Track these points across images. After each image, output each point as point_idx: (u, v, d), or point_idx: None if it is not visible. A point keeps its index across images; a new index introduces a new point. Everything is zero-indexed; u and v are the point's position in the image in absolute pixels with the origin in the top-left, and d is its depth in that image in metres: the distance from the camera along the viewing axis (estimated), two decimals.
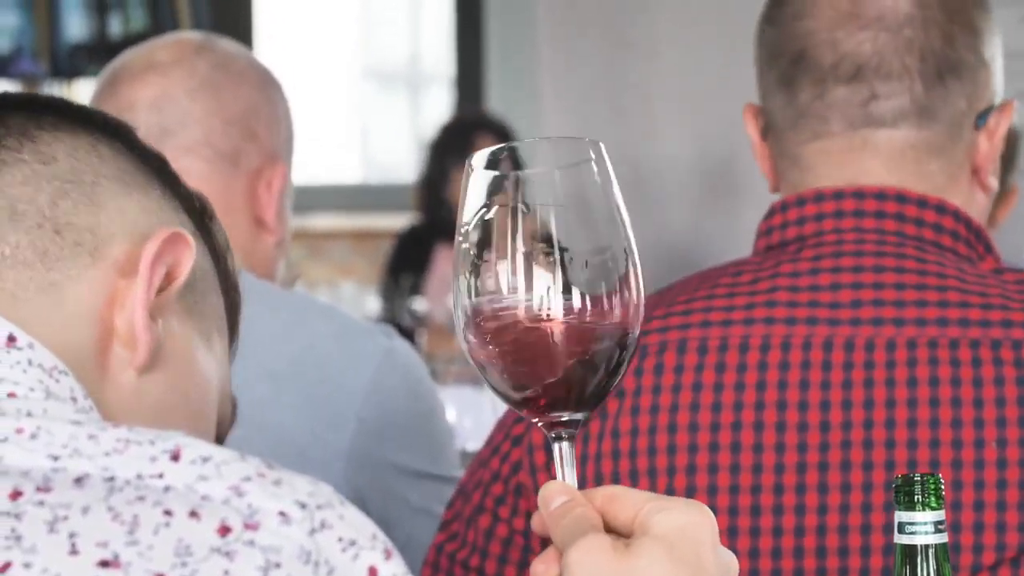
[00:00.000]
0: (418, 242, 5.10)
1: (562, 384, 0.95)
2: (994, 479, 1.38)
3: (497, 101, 5.63)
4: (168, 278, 1.01)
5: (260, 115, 1.89)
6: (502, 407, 1.61)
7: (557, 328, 0.94)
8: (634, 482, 1.41)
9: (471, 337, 0.95)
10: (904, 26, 1.49)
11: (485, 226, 0.95)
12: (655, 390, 1.44)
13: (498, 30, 6.02)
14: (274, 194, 1.89)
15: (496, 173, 0.95)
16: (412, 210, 5.36)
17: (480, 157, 0.97)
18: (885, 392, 1.41)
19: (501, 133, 5.09)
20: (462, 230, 0.95)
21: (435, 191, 5.08)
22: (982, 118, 1.51)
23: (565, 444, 0.96)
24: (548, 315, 0.93)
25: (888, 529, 1.39)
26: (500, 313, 0.94)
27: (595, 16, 5.82)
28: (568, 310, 0.94)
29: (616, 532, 0.91)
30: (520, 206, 0.94)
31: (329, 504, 0.85)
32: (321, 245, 6.19)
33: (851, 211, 1.49)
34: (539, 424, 0.97)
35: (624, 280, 0.95)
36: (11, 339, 0.92)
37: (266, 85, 1.91)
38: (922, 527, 1.11)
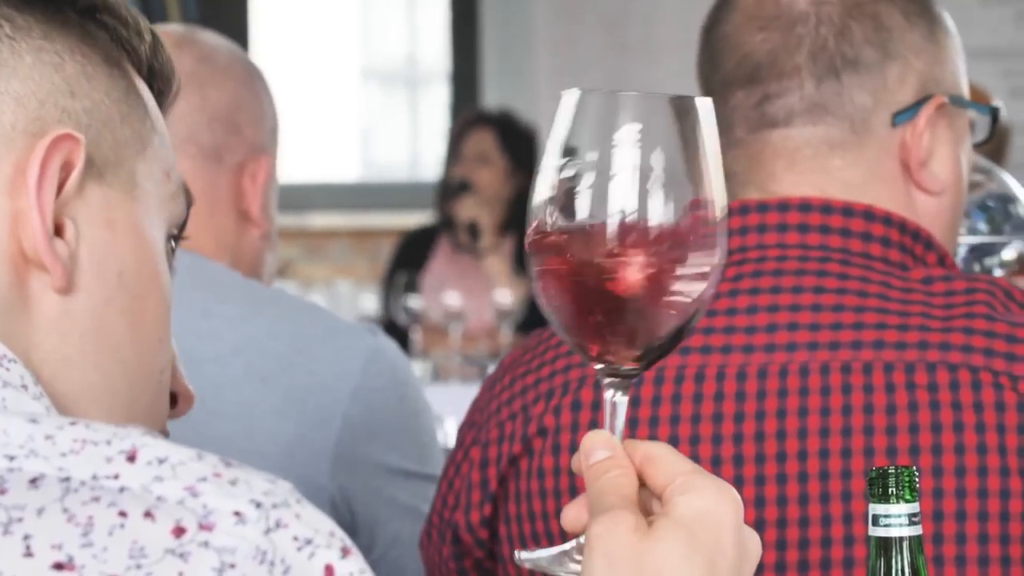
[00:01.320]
0: (423, 240, 5.11)
1: (628, 332, 0.94)
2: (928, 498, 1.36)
3: (494, 99, 5.63)
4: (64, 171, 0.96)
5: (244, 109, 1.88)
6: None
7: (636, 274, 0.92)
8: None
9: (546, 280, 0.94)
10: (796, 23, 1.47)
11: (578, 159, 0.94)
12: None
13: (495, 28, 6.02)
14: (259, 186, 1.89)
15: (602, 98, 0.94)
16: (411, 208, 5.37)
17: (572, 93, 0.95)
18: (798, 422, 1.38)
19: (503, 125, 5.03)
20: (551, 158, 0.94)
21: (440, 189, 5.08)
22: (901, 115, 1.48)
23: (618, 394, 0.96)
24: (630, 260, 0.92)
25: (818, 566, 1.37)
26: (578, 258, 0.93)
27: (593, 17, 5.82)
28: (652, 259, 0.93)
29: (649, 491, 0.93)
30: (624, 146, 0.93)
31: (285, 503, 0.84)
32: (319, 244, 6.19)
33: (774, 225, 1.46)
34: (598, 368, 0.96)
35: (711, 239, 0.94)
36: None
37: (250, 77, 1.91)
38: (896, 519, 1.11)
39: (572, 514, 0.94)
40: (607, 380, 0.96)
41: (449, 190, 4.97)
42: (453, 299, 4.61)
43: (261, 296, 1.86)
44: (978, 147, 1.60)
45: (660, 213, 0.92)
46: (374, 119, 6.87)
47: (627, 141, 0.93)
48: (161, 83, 1.04)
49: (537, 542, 1.45)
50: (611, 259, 0.93)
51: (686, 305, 0.94)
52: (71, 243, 0.95)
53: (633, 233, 0.92)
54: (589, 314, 0.93)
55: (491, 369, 2.44)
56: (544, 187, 0.94)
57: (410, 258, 5.03)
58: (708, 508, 0.90)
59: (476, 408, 1.55)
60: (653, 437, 1.40)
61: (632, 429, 1.41)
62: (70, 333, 0.96)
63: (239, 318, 1.81)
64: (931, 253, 1.47)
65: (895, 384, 1.37)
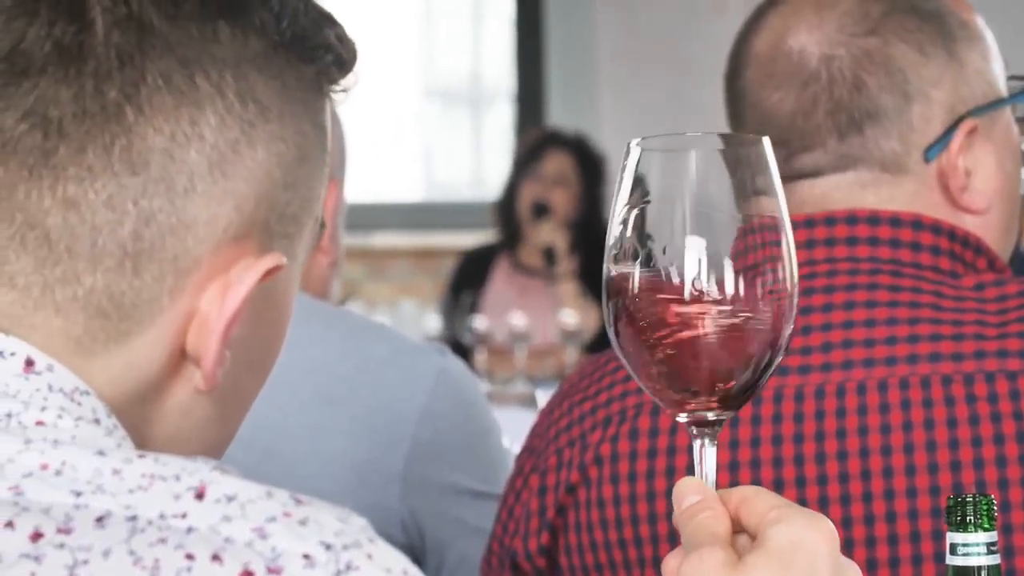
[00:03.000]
0: (482, 260, 5.11)
1: (711, 382, 0.94)
2: None
3: (558, 118, 5.63)
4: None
5: None
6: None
7: (712, 325, 0.92)
8: None
9: (623, 328, 0.94)
10: (809, 83, 1.46)
11: (643, 215, 0.94)
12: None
13: (559, 48, 6.02)
14: (328, 214, 1.90)
15: (657, 158, 0.95)
16: (475, 228, 5.37)
17: (640, 143, 0.95)
18: (858, 442, 1.37)
19: (579, 147, 5.05)
20: (619, 218, 0.94)
21: (507, 207, 5.09)
22: (932, 150, 1.46)
23: (707, 441, 0.96)
24: (704, 312, 0.92)
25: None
26: (656, 306, 0.93)
27: (657, 36, 5.83)
28: (724, 308, 0.93)
29: (747, 534, 0.92)
30: (681, 197, 0.93)
31: (356, 543, 0.82)
32: (383, 264, 6.20)
33: (823, 239, 1.45)
34: (684, 420, 0.96)
35: (779, 281, 0.94)
36: (29, 363, 0.88)
37: None
38: (975, 548, 1.10)
39: (672, 564, 0.92)
40: (695, 429, 0.96)
41: (527, 212, 4.98)
42: (518, 319, 4.61)
43: (329, 317, 1.87)
44: None
45: (729, 259, 0.93)
46: (437, 138, 6.89)
47: (693, 188, 0.93)
48: (349, 80, 1.00)
49: (600, 572, 1.45)
50: (687, 309, 0.93)
51: (763, 349, 0.94)
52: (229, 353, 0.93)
53: (707, 283, 0.92)
54: (672, 365, 0.94)
55: (540, 398, 2.45)
56: (618, 233, 0.95)
57: (470, 278, 5.04)
58: (801, 538, 0.89)
59: (535, 434, 1.54)
60: (734, 461, 1.40)
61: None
62: (193, 416, 0.94)
63: (307, 340, 1.82)
64: (981, 258, 1.46)
65: (955, 397, 1.37)
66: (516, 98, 6.20)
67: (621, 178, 0.94)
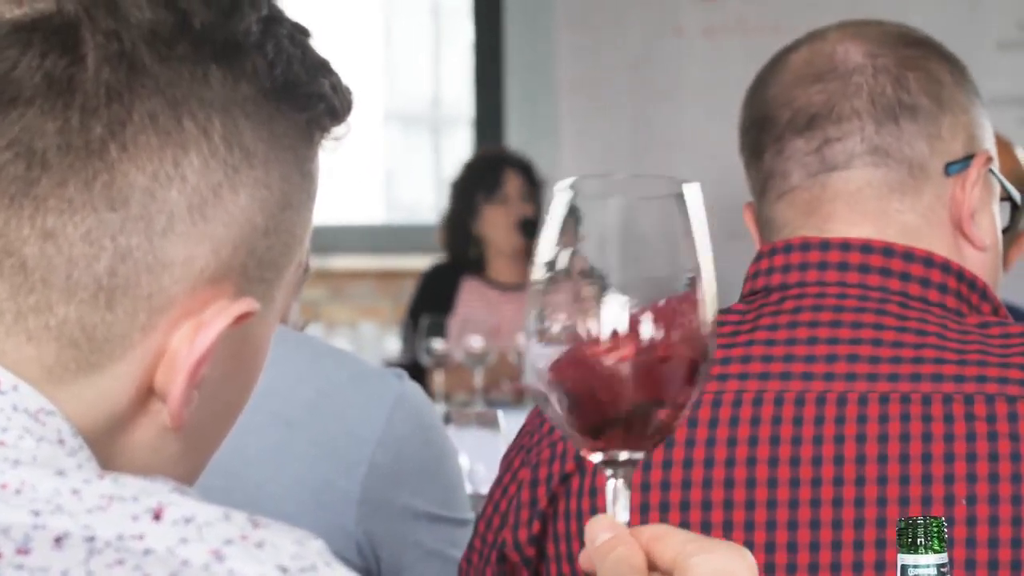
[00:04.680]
0: (441, 281, 5.12)
1: (624, 422, 0.94)
2: (963, 537, 1.37)
3: (517, 143, 5.66)
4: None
5: None
6: None
7: (622, 366, 0.93)
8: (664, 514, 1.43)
9: (535, 368, 0.94)
10: (854, 73, 1.52)
11: (552, 262, 0.94)
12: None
13: (518, 73, 6.04)
14: None
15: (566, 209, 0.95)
16: (436, 250, 5.38)
17: (571, 185, 0.95)
18: (855, 448, 1.41)
19: (527, 170, 5.12)
20: (538, 262, 0.95)
21: (462, 228, 5.10)
22: (953, 166, 1.53)
23: (620, 481, 0.96)
24: (613, 353, 0.92)
25: None
26: (565, 348, 0.93)
27: (617, 61, 5.85)
28: (634, 348, 0.93)
29: (660, 571, 0.91)
30: (583, 242, 0.94)
31: (312, 567, 0.82)
32: (343, 286, 6.21)
33: (835, 263, 1.49)
34: (598, 460, 0.96)
35: (687, 317, 0.94)
36: None
37: None
38: (925, 570, 1.12)
39: None
40: (608, 470, 0.96)
41: (508, 232, 5.01)
42: (476, 341, 4.62)
43: (289, 342, 1.87)
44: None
45: (654, 304, 0.93)
46: (398, 161, 6.90)
47: (619, 229, 0.94)
48: (341, 129, 1.00)
49: None
50: (605, 355, 0.93)
51: (683, 394, 0.94)
52: (198, 393, 0.93)
53: (628, 327, 0.93)
54: (589, 405, 0.94)
55: (502, 420, 2.46)
56: (540, 275, 0.95)
57: (434, 296, 5.06)
58: (722, 567, 0.89)
59: (525, 432, 1.57)
60: (709, 458, 1.43)
61: (688, 449, 1.44)
62: (161, 453, 0.94)
63: (268, 364, 1.82)
64: (986, 303, 1.51)
65: (954, 415, 1.40)
66: (476, 122, 6.22)
67: (548, 219, 0.95)
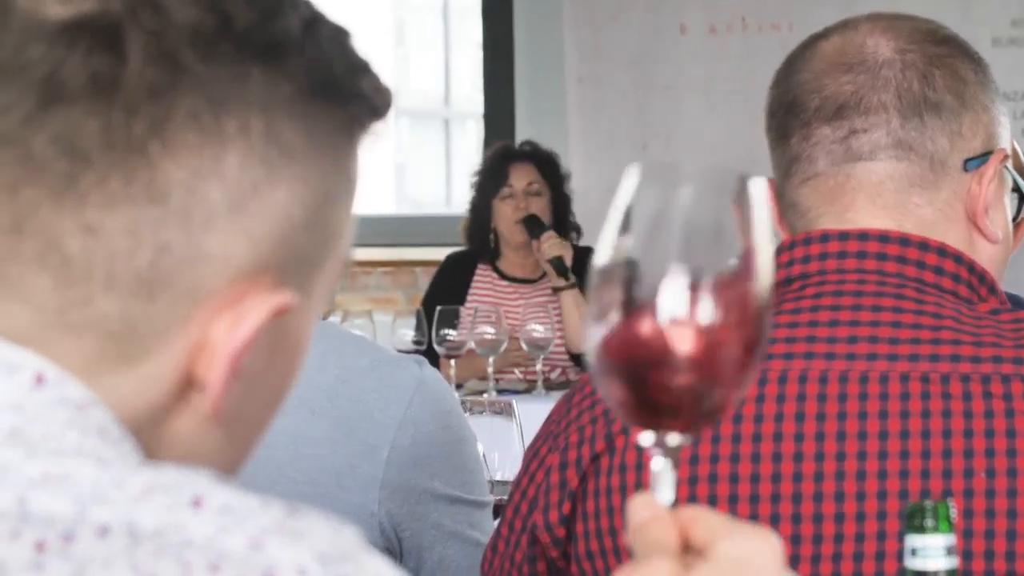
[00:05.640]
0: (458, 269, 5.14)
1: (676, 404, 0.93)
2: (982, 508, 1.41)
3: (526, 136, 5.68)
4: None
5: None
6: (531, 438, 1.65)
7: (678, 346, 0.92)
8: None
9: (591, 346, 0.93)
10: (883, 67, 1.56)
11: (614, 245, 0.93)
12: None
13: (527, 70, 6.07)
14: None
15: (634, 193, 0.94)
16: (447, 242, 5.41)
17: (637, 169, 0.94)
18: (879, 424, 1.45)
19: (541, 162, 5.09)
20: (600, 245, 0.94)
21: (480, 220, 5.12)
22: (972, 162, 1.56)
23: (663, 460, 0.95)
24: (668, 333, 0.91)
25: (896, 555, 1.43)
26: (622, 327, 0.92)
27: (622, 57, 5.89)
28: (691, 331, 0.92)
29: (693, 551, 0.90)
30: (644, 227, 0.93)
31: (349, 555, 0.83)
32: (357, 277, 6.24)
33: (854, 252, 1.53)
34: (649, 442, 0.95)
35: (745, 305, 0.93)
36: (40, 377, 0.88)
37: None
38: (933, 551, 1.14)
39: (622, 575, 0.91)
40: (656, 450, 0.95)
41: (513, 228, 5.02)
42: (488, 329, 4.65)
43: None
44: None
45: (712, 289, 0.92)
46: (408, 156, 6.91)
47: (681, 217, 0.93)
48: (380, 126, 0.99)
49: (614, 537, 1.50)
50: (662, 336, 0.92)
51: (736, 379, 0.94)
52: (239, 384, 0.93)
53: (686, 312, 0.92)
54: (641, 388, 0.93)
55: (516, 407, 2.49)
56: (604, 256, 0.94)
57: (451, 285, 5.07)
58: (748, 551, 0.89)
59: (551, 421, 1.59)
60: (736, 434, 1.46)
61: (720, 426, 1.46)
62: (202, 444, 0.94)
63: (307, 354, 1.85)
64: (993, 297, 1.55)
65: (972, 393, 1.45)
66: (485, 118, 6.24)
67: (614, 201, 0.94)
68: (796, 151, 1.58)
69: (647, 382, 0.93)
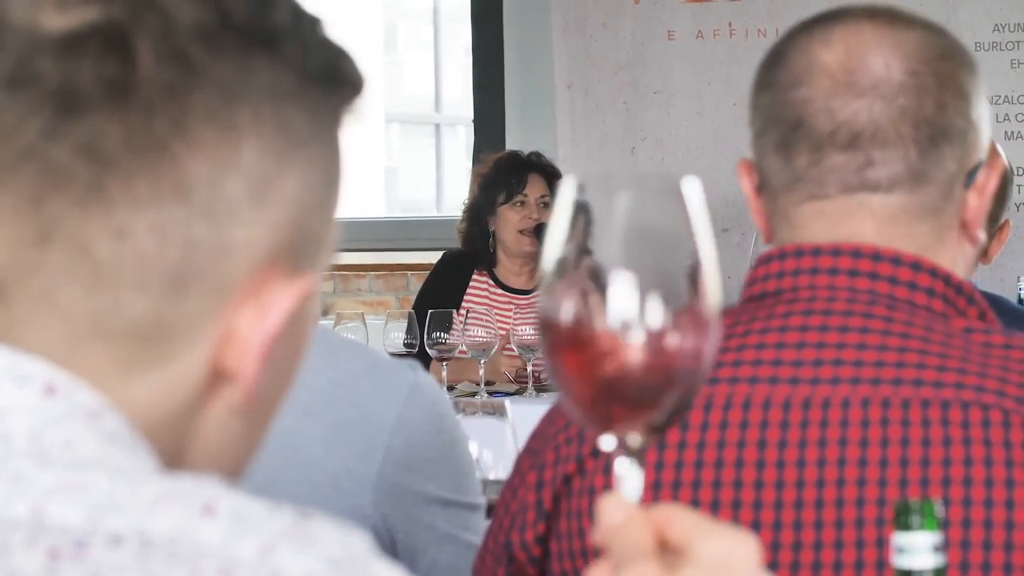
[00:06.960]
0: (454, 270, 5.15)
1: (632, 408, 0.94)
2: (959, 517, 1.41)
3: (516, 144, 5.70)
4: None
5: None
6: (523, 439, 1.67)
7: (633, 353, 0.93)
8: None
9: (549, 354, 0.94)
10: (898, 95, 1.51)
11: (560, 253, 0.95)
12: None
13: (516, 76, 6.09)
14: None
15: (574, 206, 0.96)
16: (437, 246, 5.42)
17: (568, 183, 0.96)
18: (837, 451, 1.44)
19: (551, 177, 5.08)
20: (546, 254, 0.95)
21: (479, 221, 5.12)
22: (971, 176, 1.54)
23: (632, 461, 0.96)
24: (625, 338, 0.93)
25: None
26: (578, 333, 0.93)
27: (611, 64, 5.92)
28: (645, 335, 0.93)
29: (669, 550, 0.91)
30: (589, 234, 0.94)
31: (359, 560, 0.84)
32: (349, 280, 6.26)
33: (826, 268, 1.51)
34: (610, 446, 0.96)
35: (696, 306, 0.94)
36: (51, 386, 0.88)
37: None
38: (919, 549, 1.15)
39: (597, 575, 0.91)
40: (619, 451, 0.96)
41: (519, 236, 5.02)
42: (480, 333, 4.66)
43: None
44: None
45: (661, 291, 0.94)
46: (398, 161, 6.93)
47: (625, 222, 0.94)
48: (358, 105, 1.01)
49: (585, 557, 1.50)
50: (614, 340, 0.93)
51: (690, 378, 0.95)
52: (266, 370, 0.94)
53: (633, 314, 0.93)
54: (597, 391, 0.94)
55: (508, 407, 2.51)
56: (550, 263, 0.95)
57: (446, 284, 5.08)
58: (728, 551, 0.90)
59: (535, 436, 1.60)
60: (700, 461, 1.46)
61: (680, 451, 1.47)
62: (228, 433, 0.96)
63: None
64: (973, 308, 1.54)
65: (930, 419, 1.44)
66: (475, 124, 6.25)
67: (555, 210, 0.96)
68: (803, 171, 1.54)
69: (598, 386, 0.94)
